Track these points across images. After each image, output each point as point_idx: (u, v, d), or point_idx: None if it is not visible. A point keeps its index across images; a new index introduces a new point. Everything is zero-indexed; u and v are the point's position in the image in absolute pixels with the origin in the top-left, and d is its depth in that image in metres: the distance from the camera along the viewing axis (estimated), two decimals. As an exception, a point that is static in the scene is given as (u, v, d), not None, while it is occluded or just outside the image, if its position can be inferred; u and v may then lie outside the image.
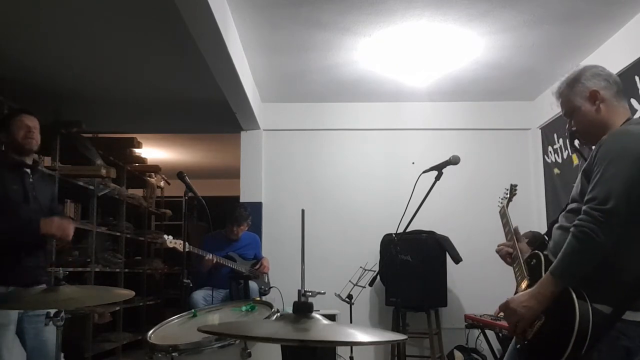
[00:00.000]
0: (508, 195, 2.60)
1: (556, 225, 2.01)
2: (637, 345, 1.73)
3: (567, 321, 1.72)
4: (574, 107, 2.01)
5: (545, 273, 1.87)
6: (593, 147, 1.90)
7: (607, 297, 1.74)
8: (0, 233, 2.78)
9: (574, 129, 2.04)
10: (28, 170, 3.01)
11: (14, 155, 2.98)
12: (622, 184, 1.73)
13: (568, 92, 2.03)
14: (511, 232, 2.28)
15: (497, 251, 2.29)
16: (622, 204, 1.72)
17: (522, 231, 2.38)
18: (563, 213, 2.00)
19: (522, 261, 2.12)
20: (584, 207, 1.78)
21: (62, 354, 2.88)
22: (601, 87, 1.97)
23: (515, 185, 2.59)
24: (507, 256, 2.23)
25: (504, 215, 2.43)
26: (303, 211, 2.61)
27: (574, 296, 1.75)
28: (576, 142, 2.13)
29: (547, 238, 2.10)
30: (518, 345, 1.97)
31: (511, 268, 2.23)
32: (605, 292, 1.75)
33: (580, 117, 2.00)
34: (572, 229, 1.78)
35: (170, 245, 4.09)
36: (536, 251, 2.07)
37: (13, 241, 2.82)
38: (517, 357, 2.01)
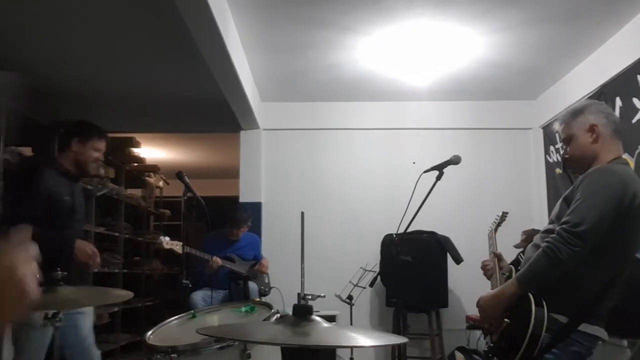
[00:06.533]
0: (498, 220, 2.81)
1: (531, 244, 2.23)
2: (587, 351, 1.99)
3: (524, 325, 1.94)
4: (572, 136, 2.20)
5: None
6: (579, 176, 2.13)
7: (565, 309, 1.97)
8: (46, 245, 2.78)
9: (567, 156, 2.24)
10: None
11: (72, 168, 3.00)
12: (595, 216, 1.94)
13: (570, 121, 2.22)
14: (493, 253, 2.51)
15: (481, 267, 2.52)
16: (591, 233, 1.93)
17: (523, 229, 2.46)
18: (539, 233, 2.21)
19: (497, 275, 2.37)
20: (557, 228, 1.99)
21: (99, 352, 2.97)
22: (601, 123, 2.15)
23: (507, 213, 2.82)
24: (486, 271, 2.47)
25: (490, 237, 2.68)
26: (303, 214, 2.59)
27: (533, 304, 1.97)
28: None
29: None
30: (488, 346, 2.18)
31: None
32: (563, 305, 1.98)
33: (576, 145, 2.19)
34: (542, 244, 2.00)
35: (167, 247, 4.00)
36: (510, 266, 2.31)
37: (51, 253, 2.81)
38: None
